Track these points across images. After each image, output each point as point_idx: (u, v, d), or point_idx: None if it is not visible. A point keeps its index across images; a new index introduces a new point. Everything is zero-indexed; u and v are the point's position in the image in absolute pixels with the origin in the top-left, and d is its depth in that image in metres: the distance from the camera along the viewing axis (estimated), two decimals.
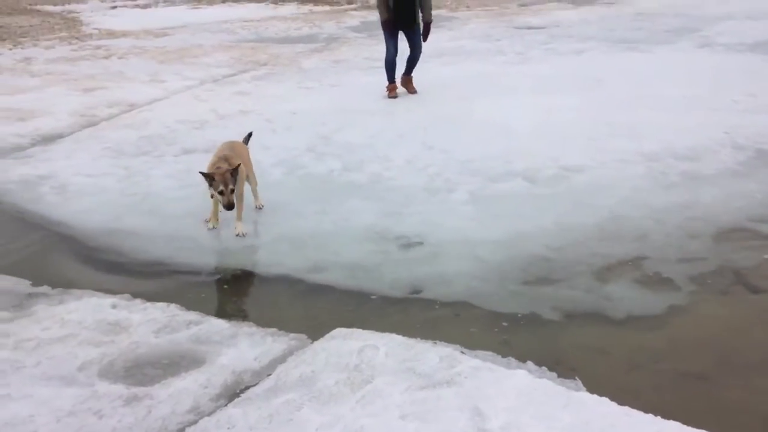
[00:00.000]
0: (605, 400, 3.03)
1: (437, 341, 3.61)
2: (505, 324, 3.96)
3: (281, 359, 3.49)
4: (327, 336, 3.63)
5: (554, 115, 7.85)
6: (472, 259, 4.73)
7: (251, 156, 5.59)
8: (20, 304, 4.11)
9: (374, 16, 16.38)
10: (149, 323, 3.86)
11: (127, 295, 4.20)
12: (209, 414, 3.09)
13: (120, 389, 3.28)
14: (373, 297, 4.30)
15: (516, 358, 3.50)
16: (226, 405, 3.15)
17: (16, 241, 5.20)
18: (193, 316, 3.95)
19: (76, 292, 4.26)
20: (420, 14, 8.56)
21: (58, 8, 18.51)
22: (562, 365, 3.49)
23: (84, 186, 6.07)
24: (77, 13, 17.66)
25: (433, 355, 3.41)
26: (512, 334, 3.86)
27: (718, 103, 8.25)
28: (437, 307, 4.19)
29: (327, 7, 18.69)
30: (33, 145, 7.26)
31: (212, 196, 4.96)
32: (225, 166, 4.84)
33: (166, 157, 6.75)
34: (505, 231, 5.10)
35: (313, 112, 8.22)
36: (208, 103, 8.71)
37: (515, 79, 9.80)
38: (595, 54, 11.61)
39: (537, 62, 11.01)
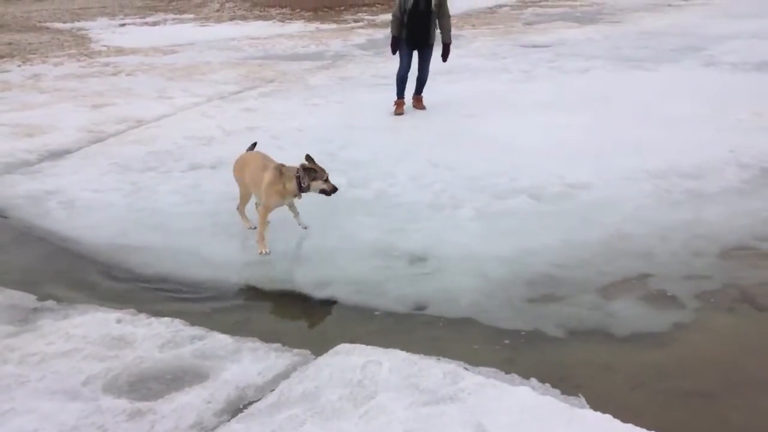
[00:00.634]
0: (608, 417, 3.02)
1: (441, 357, 3.61)
2: (509, 340, 3.96)
3: (285, 375, 3.49)
4: (331, 351, 3.64)
5: (560, 133, 7.87)
6: (477, 276, 4.73)
7: None
8: (25, 319, 4.13)
9: (380, 34, 16.53)
10: (153, 338, 3.88)
11: (131, 310, 4.21)
12: (212, 429, 3.10)
13: (124, 404, 3.29)
14: (377, 313, 4.31)
15: (519, 375, 3.50)
16: (229, 420, 3.15)
17: (22, 255, 5.24)
18: (197, 331, 3.96)
19: (81, 306, 4.28)
20: (435, 35, 8.69)
21: (67, 25, 18.71)
22: (565, 382, 3.48)
23: (91, 201, 6.11)
24: (86, 30, 17.84)
25: (436, 371, 3.41)
26: (516, 351, 3.86)
27: (723, 122, 8.26)
28: (441, 323, 4.19)
29: (334, 25, 18.83)
30: (41, 160, 7.31)
31: (263, 209, 5.09)
32: (290, 167, 5.03)
33: (173, 173, 6.79)
34: (511, 248, 5.10)
35: (319, 128, 8.27)
36: (215, 120, 8.76)
37: (521, 96, 9.83)
38: (601, 72, 11.65)
39: (542, 80, 11.05)
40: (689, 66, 12.09)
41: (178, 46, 14.97)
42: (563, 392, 3.38)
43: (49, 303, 4.33)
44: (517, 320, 4.17)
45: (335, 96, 10.13)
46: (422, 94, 9.21)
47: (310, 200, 5.98)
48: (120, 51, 14.54)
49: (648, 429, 2.95)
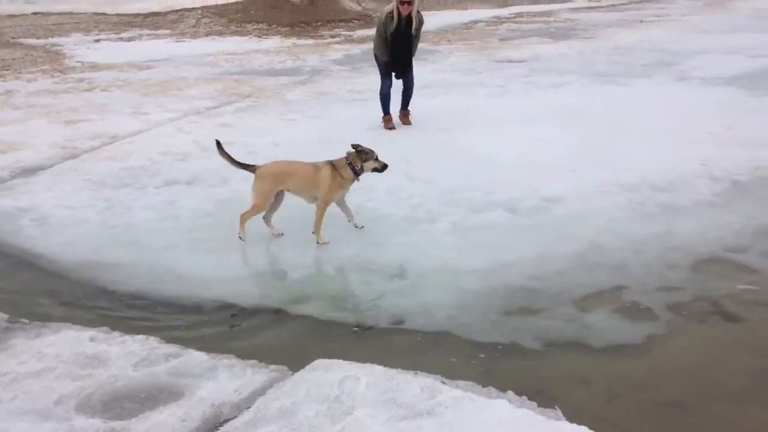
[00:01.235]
0: (585, 429, 3.04)
1: (418, 371, 3.61)
2: (486, 354, 3.98)
3: (261, 391, 3.47)
4: (308, 367, 3.62)
5: (535, 147, 7.94)
6: (454, 290, 4.75)
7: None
8: None
9: (357, 50, 16.60)
10: (127, 356, 3.83)
11: (105, 328, 4.16)
12: None
13: (97, 423, 3.24)
14: (355, 328, 4.30)
15: (497, 388, 3.50)
16: None
17: None
18: (172, 348, 3.92)
19: (54, 325, 4.22)
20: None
21: (41, 41, 18.54)
22: (542, 395, 3.49)
23: (64, 218, 6.04)
24: (60, 46, 17.69)
25: (414, 385, 3.40)
26: (493, 364, 3.87)
27: (694, 136, 8.40)
28: (419, 337, 4.19)
29: (310, 41, 18.87)
30: (13, 177, 7.22)
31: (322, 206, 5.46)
32: (338, 158, 5.48)
33: (147, 189, 6.74)
34: (487, 261, 5.13)
35: (296, 143, 8.26)
36: (191, 135, 8.72)
37: (497, 111, 9.92)
38: (575, 87, 11.80)
39: (518, 95, 11.16)
40: (661, 81, 12.29)
41: (154, 62, 14.90)
42: (540, 405, 3.39)
43: (21, 322, 4.26)
44: (494, 333, 4.19)
45: (312, 111, 10.14)
46: (409, 109, 9.33)
47: (286, 214, 5.98)
48: (94, 67, 14.44)
49: None
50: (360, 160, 5.47)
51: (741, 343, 4.14)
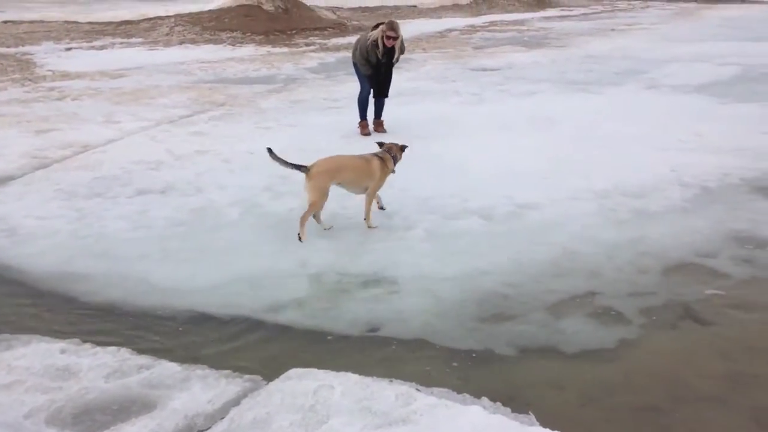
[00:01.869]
0: None
1: (393, 379, 3.61)
2: (461, 360, 3.99)
3: (235, 401, 3.44)
4: (282, 376, 3.60)
5: (509, 154, 8.02)
6: (429, 296, 4.76)
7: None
8: None
9: (332, 58, 16.63)
10: (99, 368, 3.78)
11: (76, 340, 4.10)
12: None
13: None
14: (330, 337, 4.29)
15: (471, 395, 3.52)
16: None
17: None
18: (144, 359, 3.87)
19: (24, 337, 4.14)
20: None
21: (11, 50, 18.27)
22: (516, 401, 3.52)
23: (35, 229, 5.94)
24: (31, 54, 17.46)
25: (389, 393, 3.40)
26: (468, 371, 3.89)
27: (665, 143, 8.55)
28: (394, 344, 4.19)
29: (285, 49, 18.86)
30: None
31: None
32: (381, 152, 6.00)
33: (119, 199, 6.66)
34: (462, 268, 5.16)
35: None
36: (164, 144, 8.65)
37: (471, 119, 9.99)
38: (548, 95, 11.94)
39: (492, 103, 11.26)
40: (632, 89, 12.50)
41: (126, 70, 14.77)
42: (514, 410, 3.41)
43: None
44: (469, 340, 4.21)
45: (287, 119, 10.13)
46: (383, 119, 9.43)
47: (262, 223, 5.96)
48: (66, 75, 14.27)
49: None
50: (400, 151, 6.09)
51: (711, 347, 4.21)
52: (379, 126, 9.41)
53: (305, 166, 5.59)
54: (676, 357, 4.09)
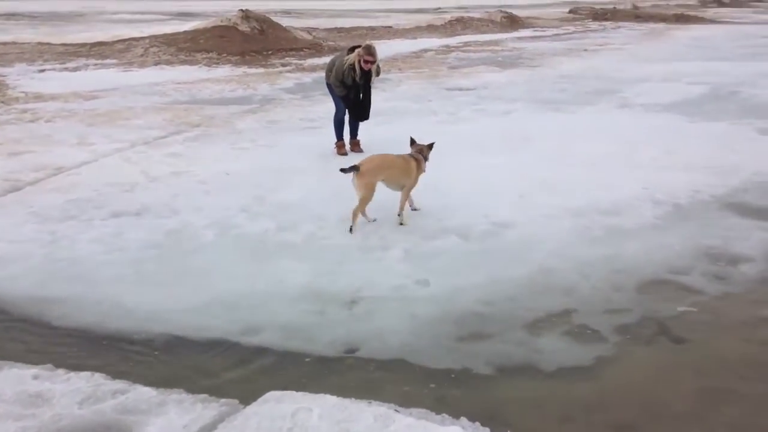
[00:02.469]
0: None
1: (372, 401, 3.59)
2: (439, 380, 3.99)
3: (212, 426, 3.40)
4: (259, 400, 3.57)
5: (484, 173, 8.08)
6: (407, 317, 4.76)
7: None
8: None
9: (308, 78, 16.67)
10: (72, 394, 3.71)
11: (49, 365, 4.02)
12: None
13: None
14: (307, 359, 4.27)
15: (450, 415, 3.52)
16: None
17: None
18: (119, 384, 3.81)
19: None
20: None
21: None
22: (495, 420, 3.52)
23: (7, 253, 5.85)
24: (3, 76, 17.25)
25: (367, 415, 3.38)
26: (446, 390, 3.89)
27: (637, 161, 8.68)
28: (373, 365, 4.18)
29: (261, 69, 18.86)
30: None
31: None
32: (412, 152, 6.56)
33: (94, 222, 6.59)
34: (440, 287, 5.17)
35: (247, 172, 8.22)
36: (139, 166, 8.59)
37: (447, 138, 10.01)
38: (522, 114, 12.07)
39: (467, 122, 11.36)
40: (604, 108, 12.69)
41: (100, 92, 14.66)
42: (493, 430, 3.41)
43: None
44: (447, 359, 4.21)
45: (263, 140, 10.11)
46: (359, 138, 9.46)
47: (238, 244, 5.93)
48: (39, 97, 14.12)
49: None
50: (429, 150, 6.61)
51: (685, 364, 4.26)
52: (355, 146, 9.42)
53: (356, 166, 6.12)
54: (651, 374, 4.12)
